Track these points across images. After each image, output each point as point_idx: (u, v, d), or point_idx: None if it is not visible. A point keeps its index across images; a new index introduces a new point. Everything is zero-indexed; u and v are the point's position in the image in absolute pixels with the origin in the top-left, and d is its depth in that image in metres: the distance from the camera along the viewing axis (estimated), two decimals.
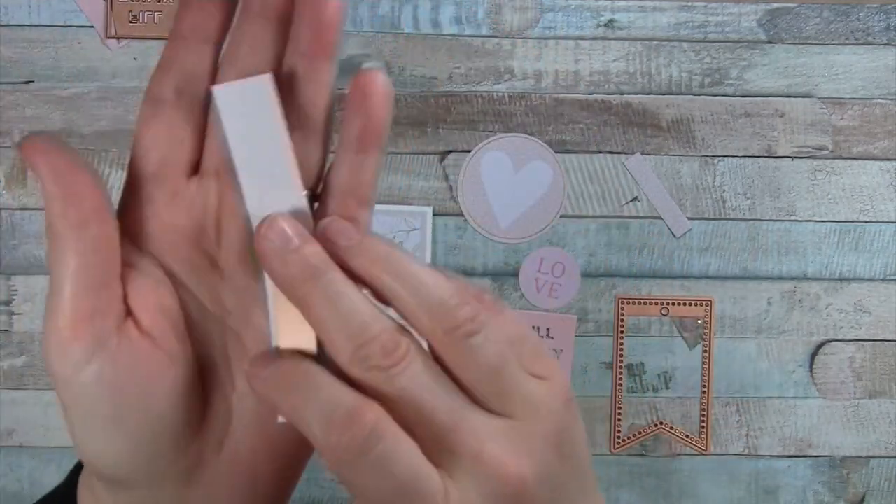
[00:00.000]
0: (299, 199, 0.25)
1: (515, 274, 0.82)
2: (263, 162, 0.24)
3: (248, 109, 0.24)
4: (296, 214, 0.24)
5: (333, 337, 0.23)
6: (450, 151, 0.83)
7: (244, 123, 0.24)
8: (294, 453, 0.28)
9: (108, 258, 0.24)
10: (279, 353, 0.25)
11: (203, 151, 0.26)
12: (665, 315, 0.83)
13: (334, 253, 0.24)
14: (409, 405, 0.23)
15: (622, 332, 0.83)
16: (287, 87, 0.25)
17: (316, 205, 0.27)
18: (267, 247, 0.24)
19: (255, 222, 0.25)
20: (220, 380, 0.27)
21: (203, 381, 0.27)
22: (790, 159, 0.84)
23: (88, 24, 0.81)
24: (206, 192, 0.26)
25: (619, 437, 0.83)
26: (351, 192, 0.26)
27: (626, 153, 0.83)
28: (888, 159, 0.84)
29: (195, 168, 0.26)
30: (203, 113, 0.26)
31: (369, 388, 0.23)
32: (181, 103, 0.25)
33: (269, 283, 0.25)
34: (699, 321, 0.83)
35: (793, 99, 0.84)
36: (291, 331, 0.25)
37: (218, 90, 0.24)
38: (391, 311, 0.25)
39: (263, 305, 0.25)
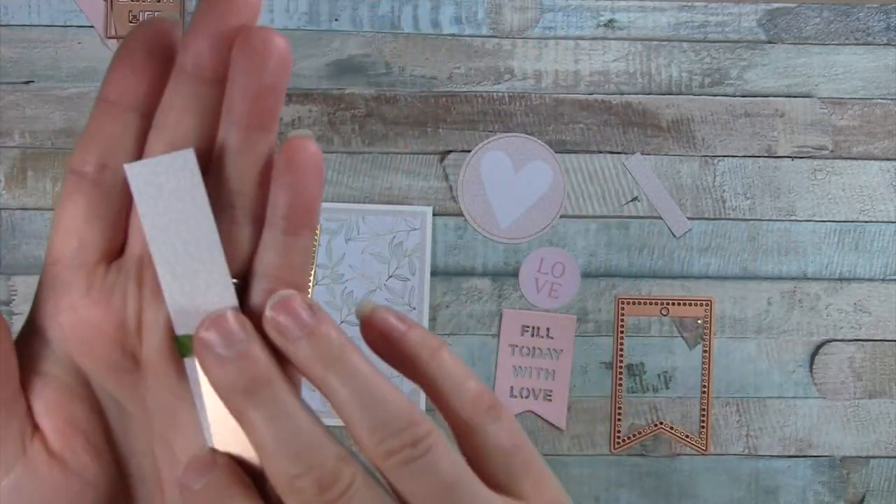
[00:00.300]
0: (226, 288, 0.22)
1: (515, 274, 0.82)
2: (185, 248, 0.22)
3: (167, 189, 0.22)
4: (222, 306, 0.22)
5: (269, 460, 0.21)
6: (450, 151, 0.83)
7: (163, 205, 0.22)
8: None
9: (2, 380, 0.22)
10: (215, 461, 0.22)
11: (127, 234, 0.23)
12: (665, 315, 0.83)
13: (278, 339, 0.22)
14: None
15: (622, 332, 0.83)
16: (217, 160, 0.22)
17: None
18: (205, 347, 0.21)
19: (174, 316, 0.22)
20: (147, 489, 0.25)
21: (128, 493, 0.25)
22: (790, 159, 0.84)
23: (88, 24, 0.81)
24: (126, 281, 0.23)
25: (619, 437, 0.82)
26: (281, 278, 0.23)
27: (626, 153, 0.83)
28: (888, 159, 0.84)
29: (119, 253, 0.23)
30: (127, 190, 0.22)
31: None
32: (102, 179, 0.22)
33: (199, 379, 0.22)
34: (699, 321, 0.83)
35: (793, 99, 0.84)
36: (227, 430, 0.23)
37: (131, 168, 0.22)
38: None
39: (191, 406, 0.23)
